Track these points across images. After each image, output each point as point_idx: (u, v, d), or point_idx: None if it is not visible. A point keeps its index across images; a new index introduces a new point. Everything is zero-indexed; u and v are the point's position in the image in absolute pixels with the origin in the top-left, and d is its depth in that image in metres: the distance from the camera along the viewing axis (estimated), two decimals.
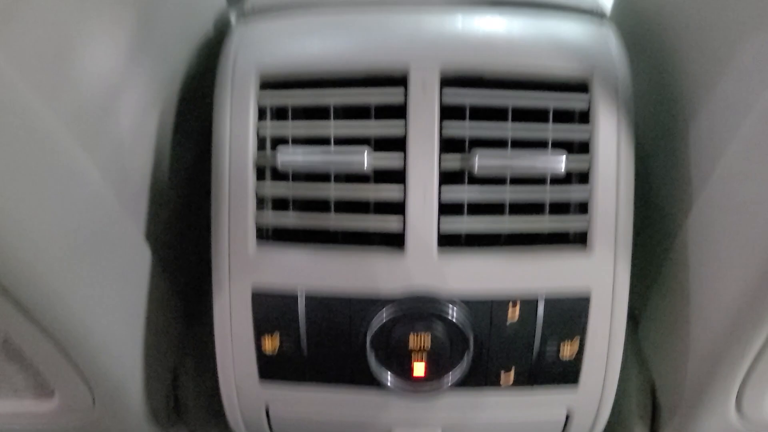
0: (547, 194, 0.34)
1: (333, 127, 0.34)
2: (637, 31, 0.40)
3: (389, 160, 0.34)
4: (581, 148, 0.34)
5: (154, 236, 0.36)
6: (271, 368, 0.36)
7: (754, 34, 0.30)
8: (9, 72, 0.25)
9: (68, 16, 0.29)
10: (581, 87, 0.34)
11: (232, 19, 0.44)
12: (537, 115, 0.34)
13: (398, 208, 0.34)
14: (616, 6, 0.42)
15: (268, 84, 0.35)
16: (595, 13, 0.38)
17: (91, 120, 0.31)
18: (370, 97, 0.34)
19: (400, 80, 0.34)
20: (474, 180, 0.34)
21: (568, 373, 0.36)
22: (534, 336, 0.35)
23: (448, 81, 0.34)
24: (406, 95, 0.34)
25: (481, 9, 0.37)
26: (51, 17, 0.28)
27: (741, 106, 0.31)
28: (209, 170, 0.36)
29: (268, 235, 0.35)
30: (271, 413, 0.37)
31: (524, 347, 0.35)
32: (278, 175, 0.35)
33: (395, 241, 0.34)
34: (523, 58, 0.34)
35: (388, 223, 0.34)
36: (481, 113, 0.34)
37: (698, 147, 0.35)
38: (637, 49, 0.41)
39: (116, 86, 0.33)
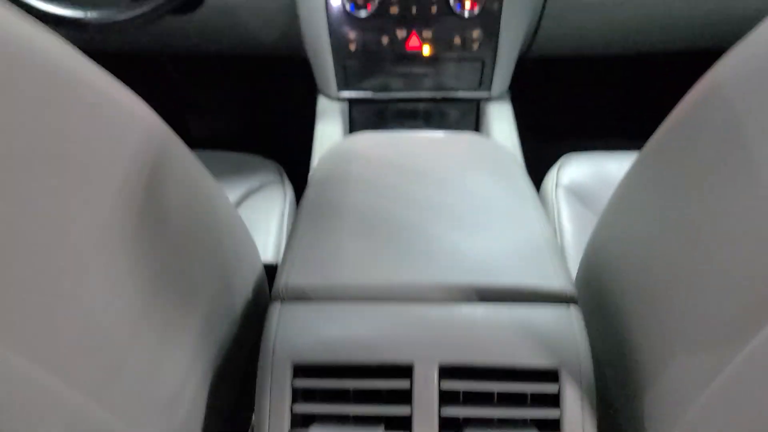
0: None
1: (353, 408, 0.43)
2: (597, 304, 0.50)
3: None
4: (553, 425, 0.43)
5: None
6: None
7: (679, 355, 0.39)
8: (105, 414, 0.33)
9: (152, 352, 0.38)
10: (553, 375, 0.43)
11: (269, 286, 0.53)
12: (517, 398, 0.43)
13: None
14: (578, 281, 0.51)
15: (301, 370, 0.43)
16: (565, 299, 0.47)
17: (158, 420, 0.39)
18: (382, 384, 0.43)
19: (406, 370, 0.43)
20: None
21: None
22: None
23: (445, 371, 0.43)
24: (411, 383, 0.42)
25: (469, 304, 0.46)
26: (147, 361, 0.36)
27: (674, 408, 0.40)
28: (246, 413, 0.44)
29: None
30: None
31: None
32: None
33: None
34: (505, 355, 0.43)
35: None
36: (473, 393, 0.43)
37: (647, 425, 0.43)
38: (599, 319, 0.50)
39: (181, 385, 0.41)
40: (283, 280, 0.48)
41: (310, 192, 0.59)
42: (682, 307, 0.40)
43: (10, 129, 0.28)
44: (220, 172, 0.93)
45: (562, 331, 0.44)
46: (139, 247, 0.36)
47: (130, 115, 0.36)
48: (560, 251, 0.52)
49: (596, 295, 0.51)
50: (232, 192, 0.89)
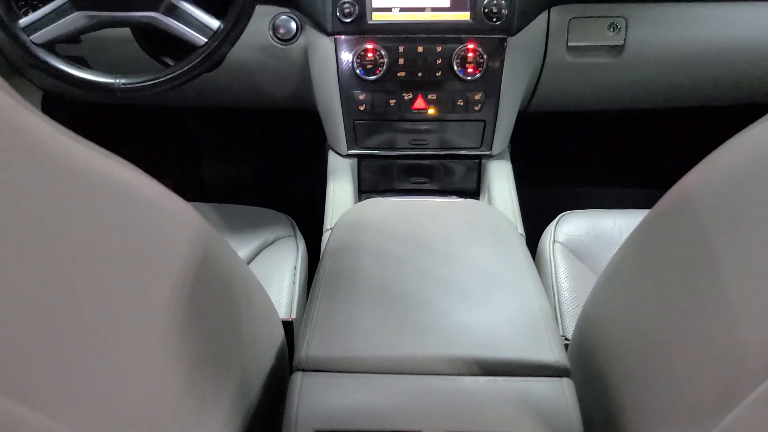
0: None
1: None
2: (589, 373, 0.54)
3: None
4: None
5: None
6: None
7: (661, 430, 0.44)
8: None
9: (192, 421, 0.43)
10: None
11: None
12: None
13: None
14: (572, 347, 0.56)
15: None
16: (558, 372, 0.52)
17: None
18: None
19: None
20: None
21: None
22: None
23: None
24: None
25: (472, 377, 0.51)
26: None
27: None
28: None
29: None
30: None
31: None
32: None
33: None
34: (504, 425, 0.48)
35: None
36: None
37: None
38: (590, 387, 0.54)
39: None
40: (303, 352, 0.53)
41: (326, 263, 0.64)
42: (662, 387, 0.45)
43: (91, 239, 0.33)
44: (235, 227, 0.98)
45: (556, 403, 0.49)
46: (184, 330, 0.41)
47: (180, 221, 0.41)
48: (555, 323, 0.57)
49: (588, 364, 0.56)
50: (248, 246, 0.95)
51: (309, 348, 0.53)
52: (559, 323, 0.82)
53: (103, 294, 0.34)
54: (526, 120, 1.21)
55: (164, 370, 0.39)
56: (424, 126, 1.07)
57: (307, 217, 1.09)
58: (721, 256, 0.40)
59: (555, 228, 0.98)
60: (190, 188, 1.56)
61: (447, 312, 0.56)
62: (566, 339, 0.77)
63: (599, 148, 1.57)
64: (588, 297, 0.60)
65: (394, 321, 0.55)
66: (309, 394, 0.50)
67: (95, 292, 0.34)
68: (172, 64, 1.01)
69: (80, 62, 1.09)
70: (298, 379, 0.51)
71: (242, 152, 1.58)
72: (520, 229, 1.01)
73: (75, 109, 1.35)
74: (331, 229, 0.93)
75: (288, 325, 0.74)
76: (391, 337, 0.54)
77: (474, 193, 1.14)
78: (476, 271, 0.62)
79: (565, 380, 0.51)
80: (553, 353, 0.53)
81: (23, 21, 0.87)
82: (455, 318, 0.56)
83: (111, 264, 0.34)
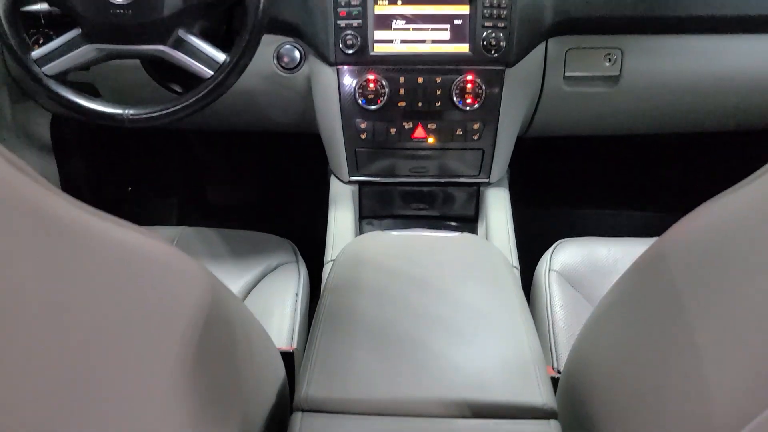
0: None
1: None
2: (577, 415, 0.57)
3: None
4: None
5: None
6: None
7: None
8: None
9: None
10: None
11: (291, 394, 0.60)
12: None
13: None
14: (561, 386, 0.59)
15: None
16: (546, 415, 0.54)
17: None
18: None
19: None
20: None
21: None
22: None
23: None
24: None
25: (464, 420, 0.53)
26: None
27: None
28: None
29: None
30: None
31: None
32: None
33: None
34: None
35: None
36: None
37: None
38: (578, 429, 0.57)
39: None
40: (303, 392, 0.55)
41: (326, 300, 0.66)
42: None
43: (108, 306, 0.36)
44: (238, 252, 1.01)
45: None
46: (191, 382, 0.43)
47: (188, 280, 0.44)
48: (544, 364, 0.59)
49: (575, 404, 0.58)
50: (251, 273, 0.97)
51: (309, 388, 0.55)
52: (554, 353, 0.84)
53: (118, 354, 0.36)
54: (524, 144, 1.23)
55: (172, 420, 0.41)
56: (423, 154, 1.10)
57: (309, 242, 1.11)
58: (694, 315, 0.42)
59: (551, 256, 1.01)
60: (193, 210, 1.59)
61: (441, 353, 0.59)
62: (558, 371, 0.79)
63: (597, 172, 1.59)
64: (576, 338, 0.63)
65: (390, 362, 0.57)
66: None
67: (111, 352, 0.36)
68: (180, 90, 1.04)
69: (89, 88, 1.12)
70: (298, 420, 0.53)
71: (245, 176, 1.61)
72: (515, 262, 1.04)
73: (83, 131, 1.38)
74: (332, 260, 0.95)
75: (289, 357, 0.76)
76: (387, 378, 0.56)
77: (472, 219, 1.17)
78: (470, 310, 0.64)
79: (553, 422, 0.54)
80: (541, 395, 0.55)
81: (35, 53, 0.90)
82: (449, 359, 0.58)
83: (126, 327, 0.37)
